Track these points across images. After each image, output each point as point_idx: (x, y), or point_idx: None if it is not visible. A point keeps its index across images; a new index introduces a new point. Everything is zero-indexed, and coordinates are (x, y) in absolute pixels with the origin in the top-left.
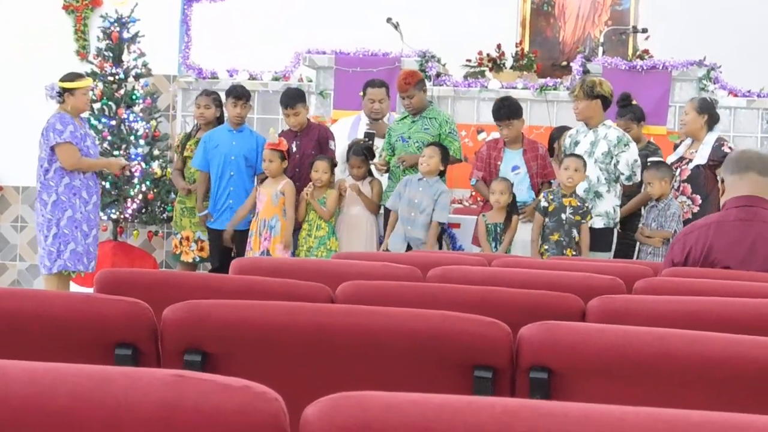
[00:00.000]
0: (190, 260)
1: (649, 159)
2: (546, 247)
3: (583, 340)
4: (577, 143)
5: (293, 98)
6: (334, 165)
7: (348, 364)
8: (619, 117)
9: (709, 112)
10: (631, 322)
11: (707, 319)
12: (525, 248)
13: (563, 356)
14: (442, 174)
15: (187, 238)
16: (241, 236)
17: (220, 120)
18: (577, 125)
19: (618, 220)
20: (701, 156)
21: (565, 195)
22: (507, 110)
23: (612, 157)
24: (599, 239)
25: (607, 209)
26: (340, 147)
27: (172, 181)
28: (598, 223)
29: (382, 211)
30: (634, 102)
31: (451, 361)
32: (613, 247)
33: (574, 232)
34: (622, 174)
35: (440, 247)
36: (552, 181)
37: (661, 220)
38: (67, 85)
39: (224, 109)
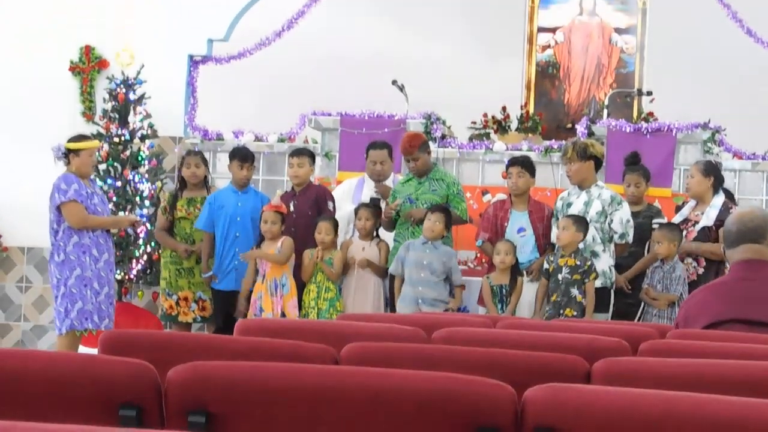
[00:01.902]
0: (190, 320)
1: (655, 220)
2: (547, 308)
3: (588, 402)
4: (569, 204)
5: (301, 150)
6: (337, 225)
7: (353, 425)
8: (630, 173)
9: (714, 174)
10: (636, 384)
11: (713, 382)
12: (531, 309)
13: (568, 418)
14: (446, 236)
15: (186, 299)
16: (231, 296)
17: (206, 179)
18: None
19: (614, 279)
20: (708, 218)
21: (563, 255)
22: (525, 159)
23: (606, 216)
24: (597, 299)
25: (603, 268)
26: (344, 208)
27: (161, 242)
28: (596, 282)
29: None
30: (641, 162)
31: (455, 422)
32: (611, 307)
33: (573, 291)
34: (616, 233)
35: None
36: None
37: (667, 283)
38: (73, 146)
39: (228, 169)
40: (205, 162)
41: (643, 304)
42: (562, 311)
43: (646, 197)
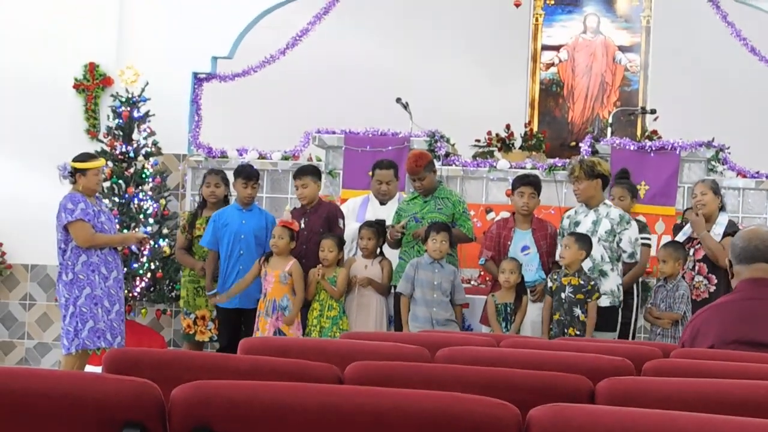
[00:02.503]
0: (207, 339)
1: (641, 235)
2: (551, 326)
3: (592, 422)
4: (577, 223)
5: (302, 170)
6: (342, 242)
7: None
8: (616, 186)
9: (721, 193)
10: (640, 403)
11: (717, 402)
12: (535, 328)
13: None
14: (451, 254)
15: (203, 318)
16: (236, 315)
17: (226, 198)
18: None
19: (622, 298)
20: (716, 235)
21: (567, 274)
22: (536, 179)
23: (615, 235)
24: (605, 318)
25: (612, 287)
26: (349, 227)
27: (180, 261)
28: (604, 301)
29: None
30: (630, 179)
31: None
32: (618, 326)
33: (577, 311)
34: (624, 252)
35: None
36: None
37: (670, 302)
38: (79, 165)
39: (233, 187)
40: (225, 181)
41: (634, 320)
42: (566, 330)
43: (648, 215)
